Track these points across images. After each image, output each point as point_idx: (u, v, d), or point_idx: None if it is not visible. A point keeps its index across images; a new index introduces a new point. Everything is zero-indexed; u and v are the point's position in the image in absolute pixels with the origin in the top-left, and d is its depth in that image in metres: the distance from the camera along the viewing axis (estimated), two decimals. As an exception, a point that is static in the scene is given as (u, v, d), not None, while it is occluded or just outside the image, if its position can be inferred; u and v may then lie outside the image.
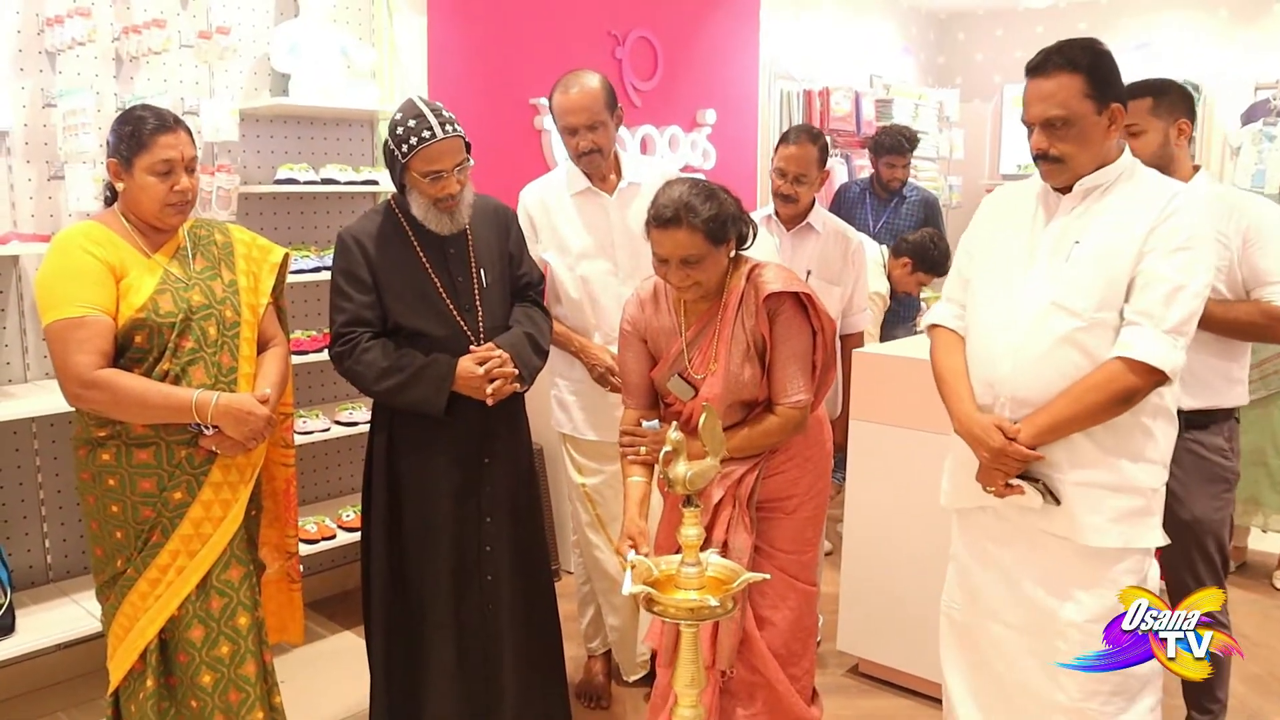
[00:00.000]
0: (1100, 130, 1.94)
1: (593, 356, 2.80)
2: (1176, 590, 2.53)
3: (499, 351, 2.40)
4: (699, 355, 2.26)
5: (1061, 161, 1.96)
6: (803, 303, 2.22)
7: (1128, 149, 2.03)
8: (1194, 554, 2.50)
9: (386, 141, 2.36)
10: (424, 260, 2.42)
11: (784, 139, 3.20)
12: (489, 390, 2.37)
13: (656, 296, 2.34)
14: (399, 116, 2.33)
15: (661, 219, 2.13)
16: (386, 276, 2.39)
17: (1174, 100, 2.47)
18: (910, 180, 4.90)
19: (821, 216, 3.28)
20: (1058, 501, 1.99)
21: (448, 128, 2.30)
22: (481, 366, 2.37)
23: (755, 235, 2.30)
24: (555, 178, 2.92)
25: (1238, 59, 6.48)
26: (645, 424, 2.30)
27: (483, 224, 2.50)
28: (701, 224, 2.11)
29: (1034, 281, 2.00)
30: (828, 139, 3.24)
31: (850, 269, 3.25)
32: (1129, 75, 6.57)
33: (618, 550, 2.12)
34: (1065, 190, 2.01)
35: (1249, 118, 6.08)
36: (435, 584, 2.46)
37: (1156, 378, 1.87)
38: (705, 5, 5.35)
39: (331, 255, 3.44)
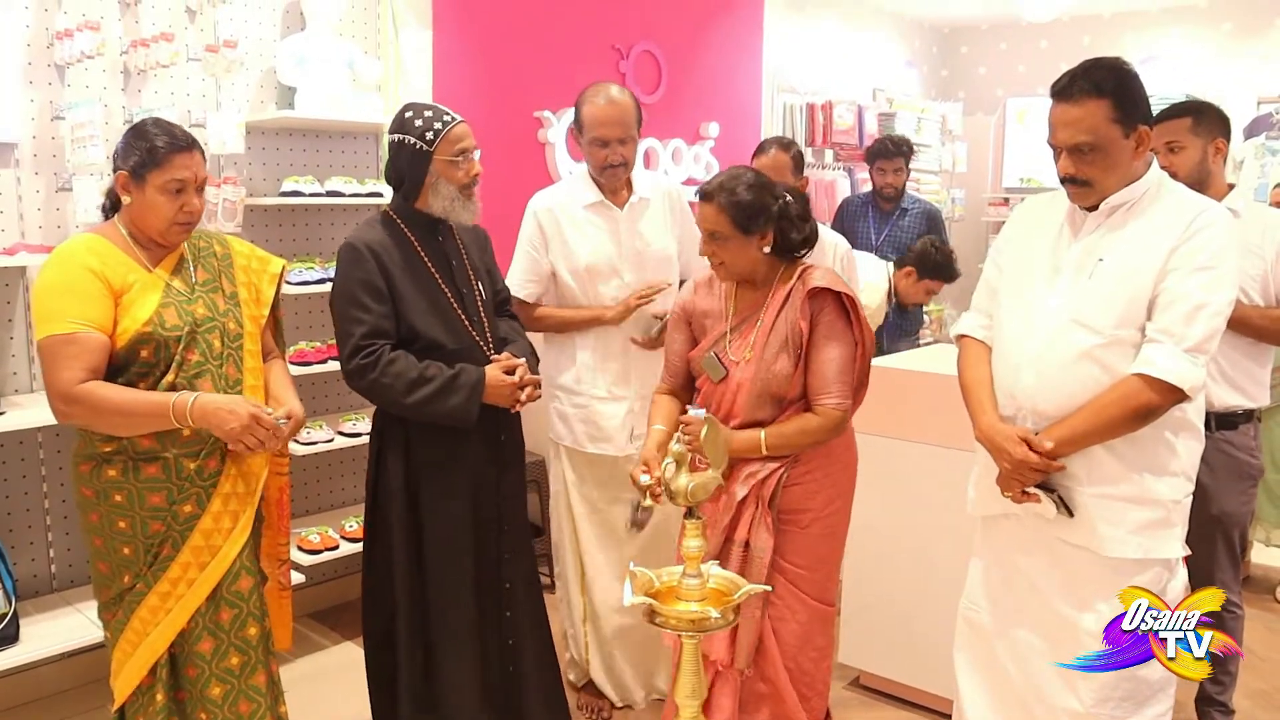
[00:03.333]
0: (1128, 153, 1.94)
1: (610, 311, 2.83)
2: (1200, 577, 2.69)
3: (521, 360, 2.44)
4: (739, 341, 2.34)
5: (1089, 185, 1.96)
6: (845, 310, 2.28)
7: (1155, 164, 2.02)
8: (1219, 545, 2.69)
9: (402, 143, 2.35)
10: (434, 271, 2.43)
11: (759, 152, 3.24)
12: (522, 398, 2.41)
13: (711, 282, 2.44)
14: (409, 115, 2.36)
15: (702, 192, 2.28)
16: (402, 287, 2.37)
17: (1211, 121, 2.63)
18: (912, 193, 4.92)
19: None
20: (1071, 514, 2.01)
21: (458, 115, 2.39)
22: (510, 375, 2.40)
23: (812, 245, 2.37)
24: (566, 189, 2.94)
25: (1241, 73, 6.50)
26: (691, 411, 2.34)
27: (469, 240, 2.55)
28: (728, 205, 2.23)
29: (1057, 297, 2.01)
30: (825, 151, 3.28)
31: (842, 274, 3.27)
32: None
33: (632, 476, 2.22)
34: (1093, 207, 2.01)
35: (1252, 131, 6.09)
36: (460, 597, 2.46)
37: (1175, 395, 1.88)
38: (709, 19, 5.37)
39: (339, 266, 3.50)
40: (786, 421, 2.29)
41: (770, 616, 2.32)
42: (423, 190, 2.39)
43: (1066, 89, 1.94)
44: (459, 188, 2.37)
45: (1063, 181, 2.00)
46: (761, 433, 2.27)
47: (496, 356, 2.44)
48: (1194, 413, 2.01)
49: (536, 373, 2.52)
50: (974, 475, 2.24)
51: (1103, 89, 1.91)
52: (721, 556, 2.29)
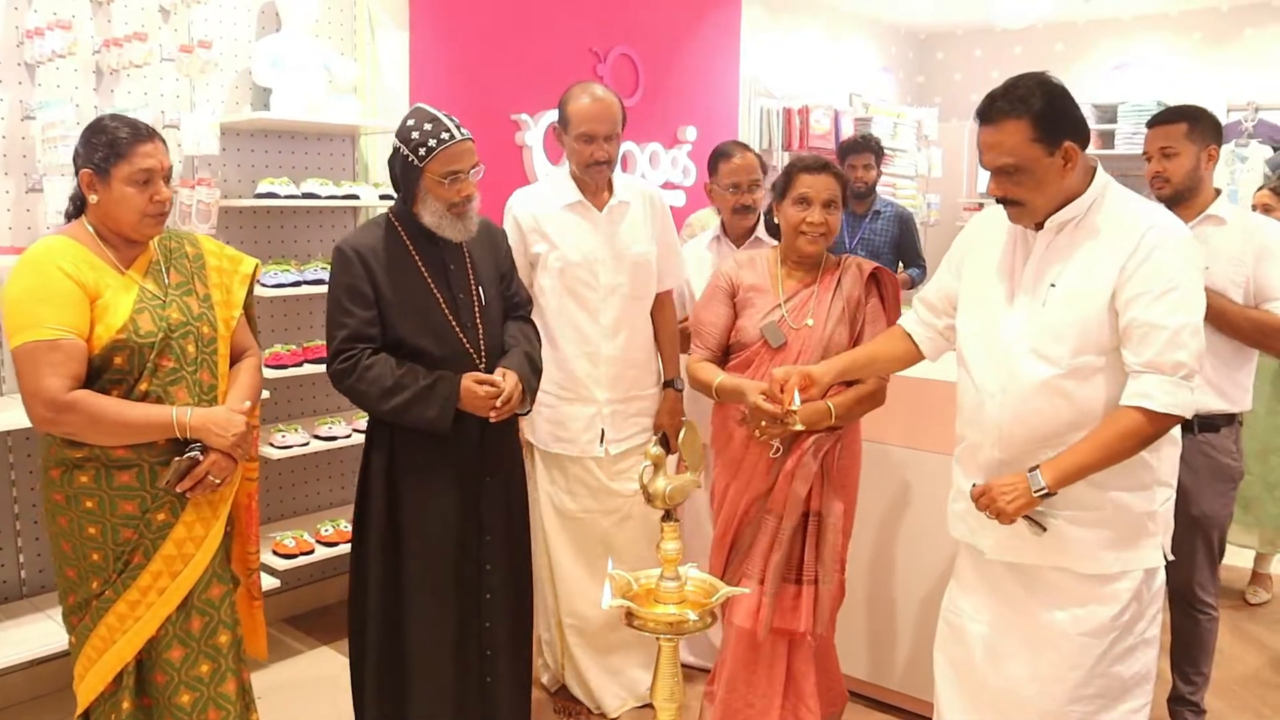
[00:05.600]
0: (1055, 171, 1.90)
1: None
2: (1177, 577, 2.74)
3: (508, 382, 2.35)
4: (795, 312, 2.56)
5: (1021, 204, 1.95)
6: (886, 293, 2.59)
7: (1098, 174, 1.99)
8: (1197, 546, 2.73)
9: (397, 150, 2.33)
10: (426, 276, 2.39)
11: (725, 156, 3.22)
12: (493, 417, 2.35)
13: (753, 260, 2.69)
14: (411, 124, 2.32)
15: (818, 164, 2.55)
16: (389, 292, 2.35)
17: (1206, 127, 2.65)
18: (886, 197, 4.96)
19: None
20: (1043, 528, 2.00)
21: (462, 130, 2.33)
22: (484, 389, 2.32)
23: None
24: (545, 188, 2.93)
25: (1211, 81, 6.58)
26: (777, 371, 2.48)
27: (478, 242, 2.49)
28: (840, 177, 2.57)
29: (1013, 325, 1.99)
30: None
31: None
32: (1107, 96, 6.68)
33: (758, 401, 2.32)
34: (1040, 226, 1.99)
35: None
36: (437, 604, 2.43)
37: (1174, 423, 1.89)
38: (686, 23, 5.39)
39: (322, 268, 3.47)
40: (846, 392, 2.48)
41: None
42: (417, 199, 2.37)
43: (986, 111, 1.92)
44: (446, 206, 2.34)
45: (997, 202, 1.99)
46: (829, 403, 2.43)
47: (478, 376, 2.37)
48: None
49: (532, 385, 2.47)
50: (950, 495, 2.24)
51: (1020, 110, 1.87)
52: (794, 533, 2.49)
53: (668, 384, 3.03)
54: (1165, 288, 1.85)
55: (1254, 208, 3.81)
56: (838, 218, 2.54)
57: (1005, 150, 1.90)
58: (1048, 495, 1.93)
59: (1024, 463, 1.98)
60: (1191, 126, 2.62)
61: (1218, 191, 2.68)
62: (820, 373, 2.27)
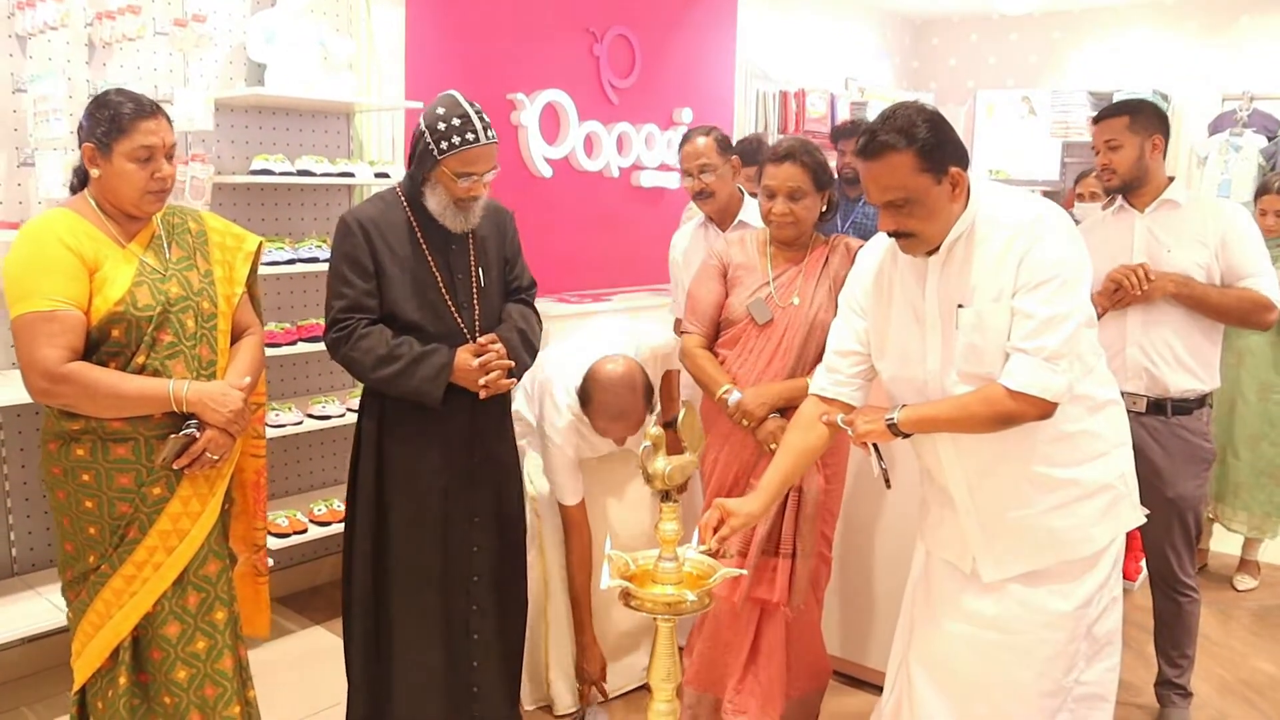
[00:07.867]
0: (944, 198, 1.88)
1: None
2: (1156, 560, 2.85)
3: (498, 345, 2.38)
4: (781, 291, 2.60)
5: (914, 236, 1.92)
6: None
7: (973, 188, 1.94)
8: (1174, 528, 2.78)
9: (422, 134, 2.31)
10: (427, 253, 2.39)
11: (683, 141, 3.19)
12: (483, 382, 2.35)
13: (743, 240, 2.73)
14: (441, 112, 2.29)
15: (780, 154, 2.55)
16: (388, 266, 2.35)
17: (1148, 118, 2.71)
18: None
19: (755, 211, 3.27)
20: (888, 485, 2.09)
21: (489, 133, 2.31)
22: (477, 359, 2.35)
23: (835, 210, 2.66)
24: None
25: (1206, 70, 6.58)
26: (731, 399, 2.54)
27: (484, 223, 2.47)
28: (810, 164, 2.53)
29: (933, 354, 1.97)
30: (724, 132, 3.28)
31: None
32: (1102, 83, 6.63)
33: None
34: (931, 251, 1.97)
35: (1216, 128, 6.18)
36: (422, 582, 2.43)
37: (1041, 405, 1.85)
38: (683, 4, 5.36)
39: (316, 246, 3.45)
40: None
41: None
42: (426, 183, 2.35)
43: (867, 147, 1.89)
44: (454, 199, 2.34)
45: (889, 235, 1.97)
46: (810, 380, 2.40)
47: (473, 347, 2.38)
48: (1097, 385, 1.99)
49: (522, 359, 2.47)
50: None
51: (902, 142, 1.85)
52: (777, 507, 2.45)
53: (668, 424, 2.94)
54: (1042, 279, 1.85)
55: (1264, 213, 3.75)
56: (807, 205, 2.53)
57: (893, 184, 1.87)
58: (896, 430, 1.96)
59: (987, 481, 1.99)
60: (1132, 119, 2.70)
61: (1170, 178, 2.74)
62: (738, 505, 2.04)
